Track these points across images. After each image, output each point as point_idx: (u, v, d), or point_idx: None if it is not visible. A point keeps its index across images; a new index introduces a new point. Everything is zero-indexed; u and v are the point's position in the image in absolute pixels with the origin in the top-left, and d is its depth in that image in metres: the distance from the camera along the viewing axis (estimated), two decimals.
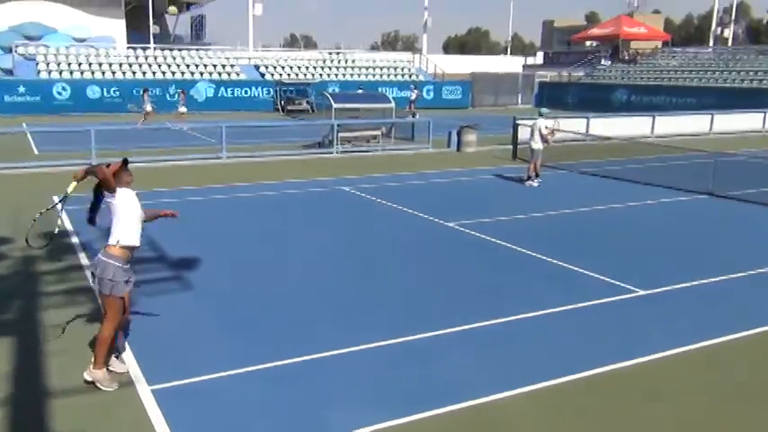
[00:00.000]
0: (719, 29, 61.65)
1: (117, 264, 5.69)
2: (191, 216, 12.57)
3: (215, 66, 43.10)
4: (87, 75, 38.95)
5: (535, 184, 15.73)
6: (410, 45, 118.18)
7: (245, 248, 10.31)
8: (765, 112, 30.68)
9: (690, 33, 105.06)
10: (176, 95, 34.28)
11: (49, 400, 5.56)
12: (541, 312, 7.58)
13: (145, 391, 5.67)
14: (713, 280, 8.88)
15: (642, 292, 8.31)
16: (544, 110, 16.54)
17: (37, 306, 7.67)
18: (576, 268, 9.28)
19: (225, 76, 42.08)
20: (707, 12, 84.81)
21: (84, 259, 9.41)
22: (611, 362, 6.32)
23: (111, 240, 5.76)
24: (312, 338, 6.80)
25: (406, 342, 6.76)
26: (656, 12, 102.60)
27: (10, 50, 40.85)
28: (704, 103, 34.79)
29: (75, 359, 6.18)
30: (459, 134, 22.49)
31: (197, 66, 42.75)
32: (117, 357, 6.14)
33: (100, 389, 5.70)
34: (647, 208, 13.68)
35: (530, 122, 17.30)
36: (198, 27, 66.04)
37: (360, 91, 33.75)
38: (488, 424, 5.29)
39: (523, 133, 20.51)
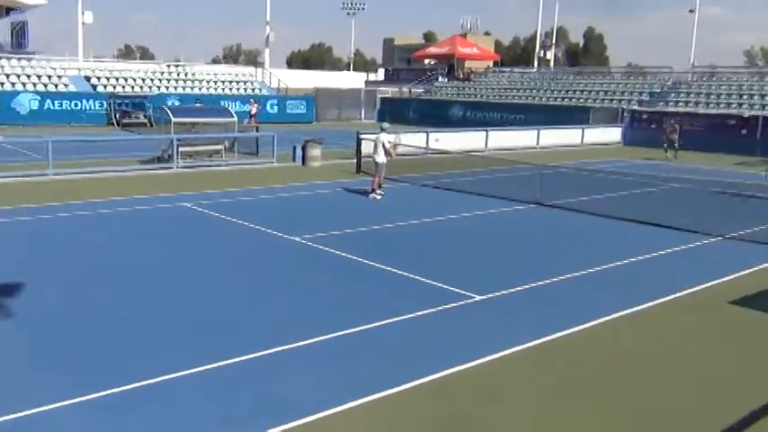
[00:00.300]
0: (542, 51, 66.76)
1: None
2: (12, 238, 11.54)
3: (39, 76, 40.04)
4: None
5: (378, 197, 16.09)
6: (253, 59, 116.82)
7: (79, 271, 9.62)
8: (583, 128, 33.63)
9: (517, 54, 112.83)
10: None
11: None
12: (385, 322, 7.75)
13: None
14: (545, 282, 9.54)
15: (479, 298, 8.75)
16: (386, 125, 16.95)
17: None
18: (417, 277, 9.59)
19: (51, 88, 39.22)
20: (531, 35, 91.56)
21: None
22: (454, 365, 6.58)
23: None
24: (147, 362, 6.47)
25: (245, 360, 6.61)
26: (488, 34, 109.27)
27: None
28: (531, 119, 37.44)
29: None
30: (303, 148, 22.51)
31: (18, 76, 39.50)
32: None
33: None
34: (482, 218, 14.45)
35: (373, 137, 17.72)
36: (19, 35, 61.08)
37: (198, 104, 32.88)
38: None
39: (367, 147, 20.95)
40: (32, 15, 64.10)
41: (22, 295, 8.33)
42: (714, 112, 34.50)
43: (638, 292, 9.14)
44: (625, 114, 36.22)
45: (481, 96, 47.15)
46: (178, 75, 47.05)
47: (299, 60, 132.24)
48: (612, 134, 34.84)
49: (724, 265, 10.67)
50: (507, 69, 58.59)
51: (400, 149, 18.16)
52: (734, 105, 34.80)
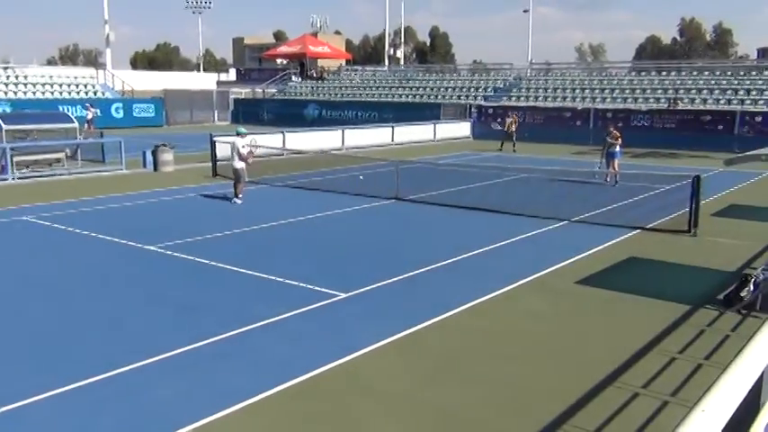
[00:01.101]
0: (392, 49, 68.35)
1: None
2: None
3: None
4: None
5: (239, 201, 15.72)
6: (93, 60, 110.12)
7: None
8: (435, 123, 34.88)
9: (368, 53, 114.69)
10: None
11: None
12: (249, 327, 7.64)
13: None
14: (407, 275, 9.81)
15: (344, 295, 8.86)
16: (242, 129, 16.54)
17: None
18: (281, 279, 9.53)
19: None
20: (380, 34, 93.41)
21: None
22: (323, 364, 6.63)
23: None
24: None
25: (108, 378, 6.29)
26: (338, 33, 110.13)
27: None
28: (385, 116, 38.29)
29: None
30: (154, 153, 21.60)
31: None
32: None
33: None
34: (342, 216, 14.60)
35: (228, 139, 17.32)
36: None
37: (87, 106, 30.96)
38: None
39: (222, 150, 20.50)
40: None
41: None
42: (552, 105, 37.05)
43: (492, 279, 9.65)
44: (472, 110, 37.97)
45: (335, 95, 47.52)
46: (8, 78, 43.43)
47: (145, 61, 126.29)
48: (462, 129, 36.40)
49: (570, 248, 11.50)
50: (359, 68, 59.44)
51: (259, 151, 17.93)
52: (568, 99, 37.53)
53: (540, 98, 38.57)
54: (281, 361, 6.75)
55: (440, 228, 13.63)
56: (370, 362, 6.82)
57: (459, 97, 41.49)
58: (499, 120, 32.34)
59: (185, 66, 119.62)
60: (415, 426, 5.57)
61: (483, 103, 39.17)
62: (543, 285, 9.54)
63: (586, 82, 39.15)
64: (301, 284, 9.30)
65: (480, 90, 42.11)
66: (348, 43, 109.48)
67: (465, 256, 10.98)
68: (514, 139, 29.30)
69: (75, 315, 8.12)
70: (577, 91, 38.09)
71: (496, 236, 12.34)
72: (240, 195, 15.83)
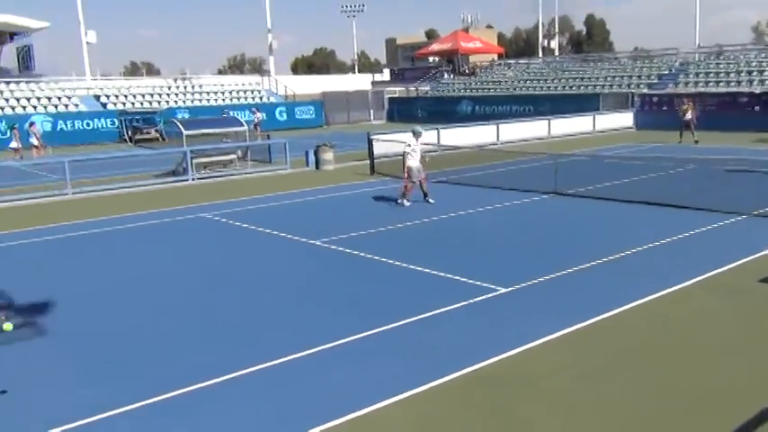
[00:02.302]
0: (546, 41, 66.56)
1: None
2: (40, 258, 11.70)
3: (49, 98, 40.52)
4: None
5: (407, 203, 15.08)
6: (258, 67, 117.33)
7: (106, 286, 9.74)
8: (594, 115, 33.49)
9: (520, 46, 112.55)
10: (8, 132, 31.49)
11: None
12: (412, 319, 7.78)
13: None
14: (568, 271, 9.53)
15: (504, 290, 8.77)
16: (417, 128, 15.64)
17: None
18: (441, 273, 9.62)
19: (62, 109, 39.68)
20: (533, 26, 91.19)
21: None
22: (485, 358, 6.61)
23: None
24: (188, 370, 6.55)
25: (284, 363, 6.69)
26: (489, 27, 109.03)
27: None
28: (540, 109, 37.35)
29: None
30: (316, 153, 22.63)
31: (29, 99, 39.97)
32: None
33: None
34: (500, 210, 14.45)
35: (385, 137, 17.61)
36: (26, 58, 61.73)
37: (225, 115, 33.34)
38: None
39: (379, 148, 21.08)
40: (37, 38, 64.78)
41: (54, 311, 8.46)
42: (724, 90, 34.26)
43: (664, 276, 9.11)
44: (635, 98, 36.04)
45: (488, 90, 47.10)
46: (185, 88, 47.41)
47: (304, 66, 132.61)
48: (624, 119, 34.65)
49: (751, 244, 10.60)
50: (512, 61, 58.47)
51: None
52: (744, 83, 34.53)
53: (711, 83, 35.82)
54: (444, 353, 6.81)
55: (601, 222, 13.09)
56: (534, 357, 6.70)
57: (619, 86, 39.57)
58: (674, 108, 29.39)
59: (341, 68, 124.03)
60: (581, 424, 5.40)
61: (646, 91, 37.06)
62: (720, 284, 8.86)
63: (765, 64, 35.78)
64: (462, 279, 9.32)
65: (643, 78, 39.89)
66: (500, 37, 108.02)
67: (630, 251, 10.46)
68: (693, 127, 26.22)
69: (252, 304, 8.70)
70: (755, 74, 34.94)
71: (665, 231, 11.64)
72: (403, 198, 15.20)
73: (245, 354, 6.95)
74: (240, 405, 5.86)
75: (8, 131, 32.45)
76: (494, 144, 27.33)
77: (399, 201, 15.29)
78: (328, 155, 22.55)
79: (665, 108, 32.40)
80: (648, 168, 18.34)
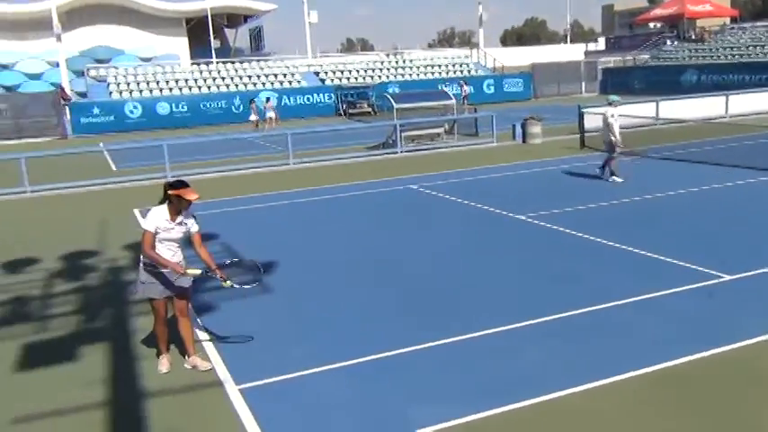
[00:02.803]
0: None
1: (150, 271, 6.14)
2: (265, 220, 12.86)
3: (276, 75, 43.94)
4: (156, 92, 40.39)
5: (619, 180, 14.35)
6: (467, 40, 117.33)
7: (319, 250, 10.47)
8: None
9: (757, 7, 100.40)
10: (248, 106, 34.70)
11: (143, 401, 5.80)
12: (623, 301, 7.41)
13: (233, 391, 5.84)
14: None
15: (728, 278, 8.01)
16: (614, 97, 14.87)
17: (125, 314, 8.02)
18: (653, 255, 9.02)
19: (286, 85, 42.86)
20: None
21: None
22: (704, 349, 6.12)
23: None
24: (391, 335, 6.85)
25: (483, 336, 6.73)
26: None
27: (82, 74, 42.75)
28: None
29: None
30: (523, 126, 22.22)
31: (258, 76, 43.69)
32: (190, 356, 6.42)
33: (194, 389, 5.93)
34: (725, 190, 13.16)
35: (598, 110, 16.82)
36: (257, 38, 67.49)
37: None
38: (575, 417, 5.21)
39: (590, 122, 20.11)
40: (266, 20, 70.43)
41: (273, 270, 9.27)
42: None
43: None
44: None
45: (718, 57, 42.81)
46: (396, 63, 48.83)
47: (513, 37, 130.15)
48: None
49: None
50: (748, 25, 52.39)
51: (628, 121, 16.99)
52: None
53: None
54: (656, 340, 6.40)
55: None
56: (757, 352, 6.07)
57: None
58: None
59: (552, 39, 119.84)
60: None
61: None
62: None
63: None
64: (677, 262, 8.67)
65: None
66: None
67: None
68: None
69: (456, 276, 8.83)
70: None
71: None
72: (615, 173, 14.47)
73: (442, 324, 7.09)
74: (427, 375, 6.00)
75: (243, 106, 36.00)
76: (722, 117, 24.85)
77: (610, 178, 14.53)
78: (536, 128, 22.03)
79: None
80: None
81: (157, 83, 41.31)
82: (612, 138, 14.22)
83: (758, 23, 52.39)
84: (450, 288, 8.34)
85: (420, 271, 9.12)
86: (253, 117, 32.09)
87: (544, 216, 11.61)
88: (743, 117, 24.73)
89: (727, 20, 57.06)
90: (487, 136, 22.60)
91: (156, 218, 5.98)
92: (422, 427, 5.09)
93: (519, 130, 22.36)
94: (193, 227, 6.19)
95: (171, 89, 40.86)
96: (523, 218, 11.64)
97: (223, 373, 6.22)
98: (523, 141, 21.99)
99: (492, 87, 45.03)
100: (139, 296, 6.44)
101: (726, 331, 6.48)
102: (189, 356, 6.37)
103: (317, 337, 6.97)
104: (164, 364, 6.37)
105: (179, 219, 6.05)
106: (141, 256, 6.16)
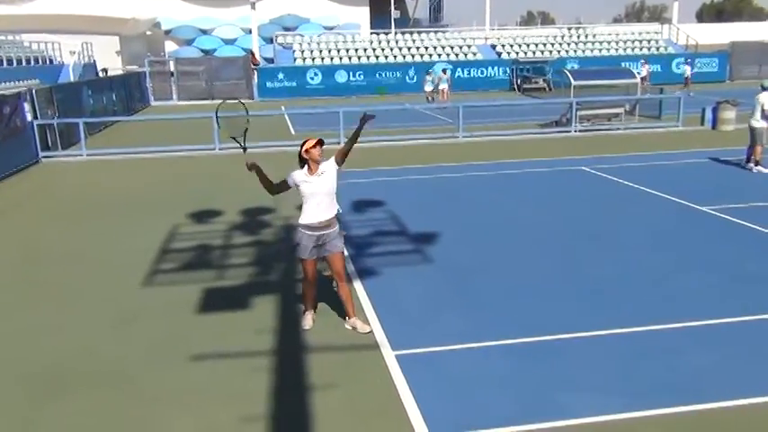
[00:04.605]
0: None
1: (304, 232, 6.38)
2: (431, 192, 12.99)
3: (452, 47, 43.83)
4: (336, 60, 41.90)
5: (764, 170, 13.60)
6: (658, 15, 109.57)
7: (484, 226, 10.41)
8: None
9: None
10: (427, 78, 34.81)
11: (308, 354, 6.15)
12: None
13: (389, 356, 6.02)
14: None
15: None
16: (767, 82, 13.84)
17: (296, 269, 8.49)
18: None
19: (462, 57, 42.64)
20: None
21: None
22: None
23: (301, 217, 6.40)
24: (554, 319, 6.69)
25: (652, 331, 6.37)
26: None
27: (271, 41, 45.31)
28: None
29: (329, 318, 6.79)
30: (714, 110, 20.47)
31: (435, 48, 43.83)
32: (349, 318, 6.66)
33: (352, 349, 6.19)
34: None
35: None
36: (436, 9, 67.64)
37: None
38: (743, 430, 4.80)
39: None
40: None
41: (434, 243, 9.36)
42: None
43: None
44: None
45: None
46: (578, 38, 46.81)
47: (712, 13, 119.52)
48: None
49: None
50: None
51: None
52: None
53: None
54: None
55: None
56: None
57: None
58: None
59: (757, 16, 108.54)
60: None
61: None
62: None
63: None
64: None
65: None
66: None
67: None
68: None
69: (626, 265, 8.40)
70: None
71: None
72: (757, 166, 13.71)
73: (602, 313, 6.80)
74: (588, 363, 5.78)
75: (417, 77, 36.39)
76: None
77: (750, 166, 13.92)
78: (729, 113, 20.20)
79: None
80: None
81: (338, 51, 42.80)
82: (756, 123, 13.72)
83: None
84: (621, 277, 7.95)
85: (589, 257, 8.77)
86: (428, 88, 32.35)
87: (731, 210, 10.67)
88: None
89: None
90: (672, 119, 21.09)
91: (295, 175, 6.34)
92: (575, 417, 4.95)
93: (709, 114, 20.63)
94: (331, 162, 6.37)
95: (350, 58, 42.17)
96: (706, 209, 10.79)
97: (381, 337, 6.42)
98: (713, 127, 20.27)
99: (682, 67, 41.81)
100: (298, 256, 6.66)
101: None
102: (349, 318, 6.63)
103: (478, 312, 6.96)
104: (307, 321, 6.72)
105: (319, 170, 6.29)
106: (299, 226, 6.43)
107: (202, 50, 50.71)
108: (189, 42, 52.83)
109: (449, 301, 7.34)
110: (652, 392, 5.26)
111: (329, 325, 6.69)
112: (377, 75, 39.63)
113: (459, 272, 8.25)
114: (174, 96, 37.84)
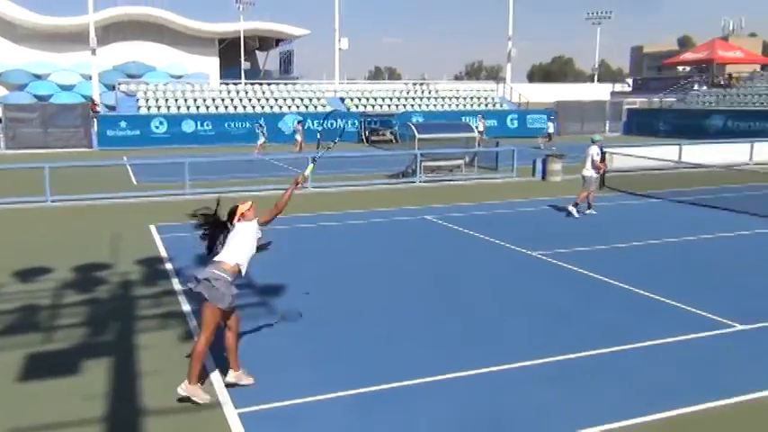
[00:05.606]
0: None
1: (228, 278, 6.11)
2: (278, 244, 12.86)
3: (302, 99, 44.40)
4: (183, 109, 40.96)
5: (576, 215, 15.09)
6: (494, 74, 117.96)
7: (331, 276, 10.45)
8: None
9: None
10: (256, 128, 34.48)
11: (141, 419, 5.79)
12: (628, 346, 7.29)
13: (231, 414, 5.81)
14: None
15: (741, 327, 7.87)
16: (596, 137, 15.94)
17: (132, 329, 8.04)
18: (665, 300, 8.90)
19: (312, 109, 43.25)
20: None
21: (176, 285, 9.79)
22: (712, 399, 5.99)
23: (228, 259, 6.22)
24: (398, 365, 6.79)
25: (499, 371, 6.65)
26: (753, 35, 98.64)
27: (113, 88, 43.55)
28: None
29: (167, 379, 6.43)
30: (544, 163, 22.18)
31: (285, 99, 44.18)
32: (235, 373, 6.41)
33: (194, 403, 5.90)
34: (742, 239, 12.98)
35: (620, 151, 16.81)
36: (286, 62, 68.45)
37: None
38: None
39: (612, 162, 20.05)
40: (297, 44, 71.42)
41: (285, 296, 9.26)
42: None
43: None
44: None
45: (746, 104, 42.56)
46: (422, 93, 49.18)
47: (540, 74, 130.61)
48: None
49: None
50: None
51: (649, 163, 17.08)
52: None
53: None
54: (660, 389, 6.28)
55: None
56: (759, 411, 5.92)
57: None
58: None
59: (579, 77, 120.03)
60: None
61: None
62: None
63: None
64: (689, 308, 8.54)
65: None
66: (765, 46, 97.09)
67: None
68: None
69: (462, 307, 8.75)
70: None
71: None
72: (589, 209, 15.39)
73: (443, 356, 7.03)
74: (427, 409, 5.93)
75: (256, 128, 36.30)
76: (746, 164, 24.62)
77: (570, 208, 15.31)
78: (557, 166, 21.97)
79: None
80: None
81: (185, 100, 41.92)
82: (587, 172, 15.32)
83: None
84: (460, 321, 8.25)
85: (432, 303, 9.04)
86: (260, 141, 31.84)
87: (558, 254, 11.51)
88: None
89: (758, 67, 56.85)
90: (507, 170, 22.57)
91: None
92: None
93: (540, 166, 22.31)
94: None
95: (198, 107, 41.43)
96: (537, 255, 11.56)
97: (223, 395, 6.19)
98: (543, 178, 21.93)
99: (515, 122, 45.10)
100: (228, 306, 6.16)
101: (731, 381, 6.33)
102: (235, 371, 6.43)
103: (326, 364, 6.92)
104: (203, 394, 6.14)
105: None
106: (224, 271, 6.11)
107: (36, 96, 47.63)
108: (21, 87, 49.49)
109: (295, 353, 7.24)
110: None
111: (164, 386, 6.34)
112: (225, 125, 39.15)
113: (307, 322, 8.19)
114: (2, 145, 35.10)
